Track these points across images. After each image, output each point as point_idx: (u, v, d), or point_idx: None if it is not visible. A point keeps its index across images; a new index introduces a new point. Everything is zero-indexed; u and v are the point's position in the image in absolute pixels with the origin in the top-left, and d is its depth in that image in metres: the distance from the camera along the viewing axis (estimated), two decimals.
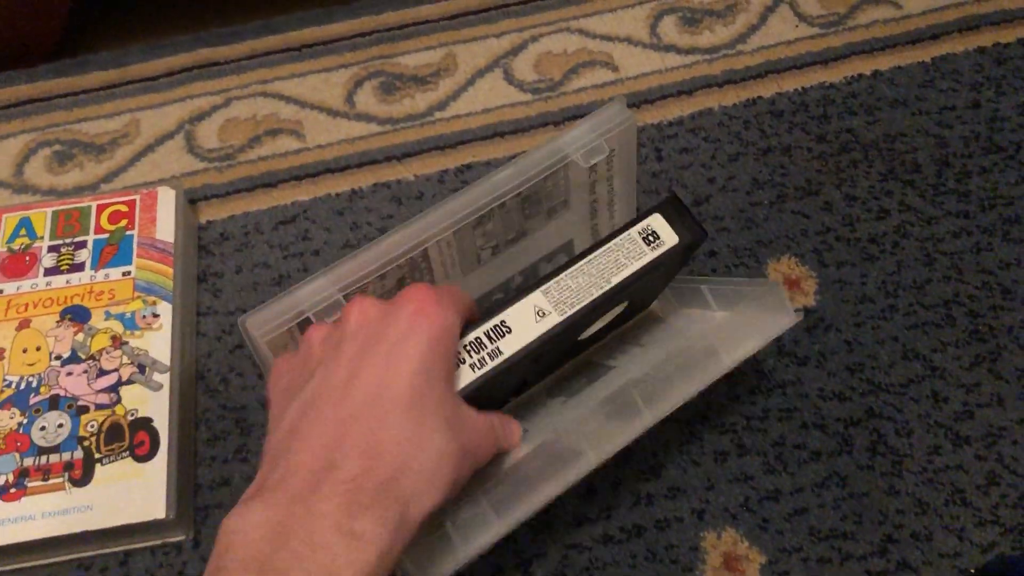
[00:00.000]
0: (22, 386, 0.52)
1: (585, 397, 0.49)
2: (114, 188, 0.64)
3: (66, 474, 0.50)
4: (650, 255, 0.45)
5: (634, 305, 0.51)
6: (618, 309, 0.49)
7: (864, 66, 0.69)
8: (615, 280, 0.44)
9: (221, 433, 0.54)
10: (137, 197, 0.59)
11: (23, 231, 0.58)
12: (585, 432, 0.43)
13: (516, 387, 0.50)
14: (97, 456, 0.50)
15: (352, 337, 0.39)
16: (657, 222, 0.46)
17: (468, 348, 0.42)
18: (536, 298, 0.44)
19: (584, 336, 0.49)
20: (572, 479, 0.42)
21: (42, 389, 0.52)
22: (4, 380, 0.53)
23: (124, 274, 0.56)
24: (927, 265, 0.59)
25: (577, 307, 0.44)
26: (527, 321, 0.43)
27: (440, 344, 0.39)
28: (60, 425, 0.51)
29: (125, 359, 0.53)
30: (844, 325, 0.57)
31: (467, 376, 0.42)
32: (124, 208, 0.59)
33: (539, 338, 0.43)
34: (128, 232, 0.58)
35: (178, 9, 0.80)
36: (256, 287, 0.59)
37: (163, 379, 0.52)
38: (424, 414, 0.37)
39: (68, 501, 0.49)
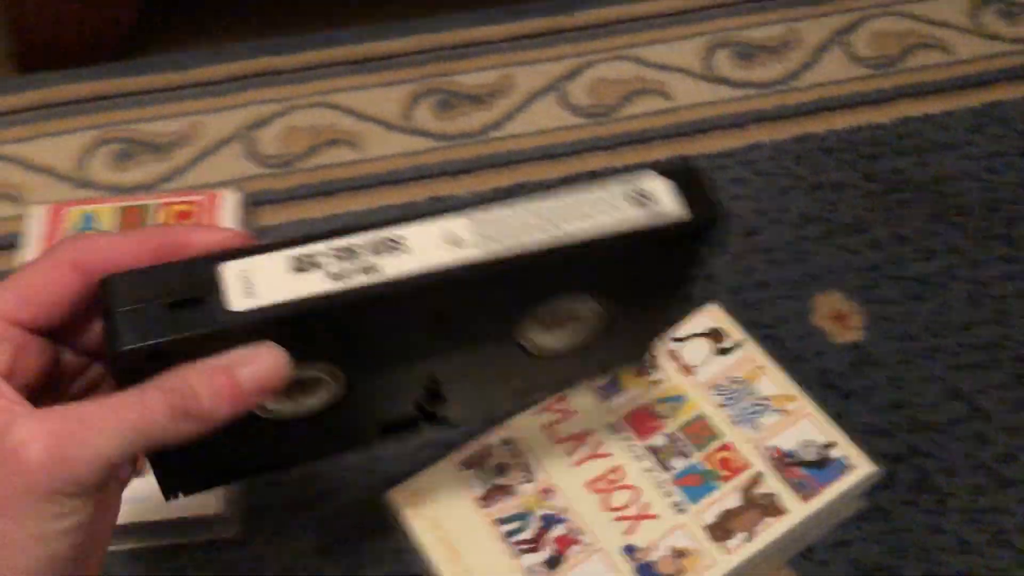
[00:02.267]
0: None
1: None
2: (174, 188, 0.66)
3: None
4: (632, 215, 0.33)
5: (610, 318, 0.38)
6: (585, 311, 0.37)
7: (914, 109, 0.70)
8: (569, 228, 0.32)
9: None
10: (201, 198, 0.61)
11: (89, 224, 0.59)
12: None
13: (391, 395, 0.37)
14: None
15: None
16: (653, 182, 0.34)
17: (336, 253, 0.31)
18: (454, 222, 0.32)
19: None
20: None
21: None
22: None
23: None
24: (973, 307, 0.60)
25: (509, 247, 0.31)
26: (432, 245, 0.31)
27: None
28: None
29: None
30: (889, 362, 0.58)
31: (317, 284, 0.30)
32: (188, 208, 0.60)
33: (442, 269, 0.31)
34: None
35: (242, 17, 0.81)
36: None
37: None
38: None
39: (125, 492, 0.50)
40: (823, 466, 0.50)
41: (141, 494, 0.49)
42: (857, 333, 0.59)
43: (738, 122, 0.70)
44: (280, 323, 0.29)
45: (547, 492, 0.49)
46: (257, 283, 0.30)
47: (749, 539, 0.47)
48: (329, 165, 0.67)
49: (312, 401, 0.35)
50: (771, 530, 0.48)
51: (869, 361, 0.58)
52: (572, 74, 0.73)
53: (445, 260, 0.31)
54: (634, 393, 0.53)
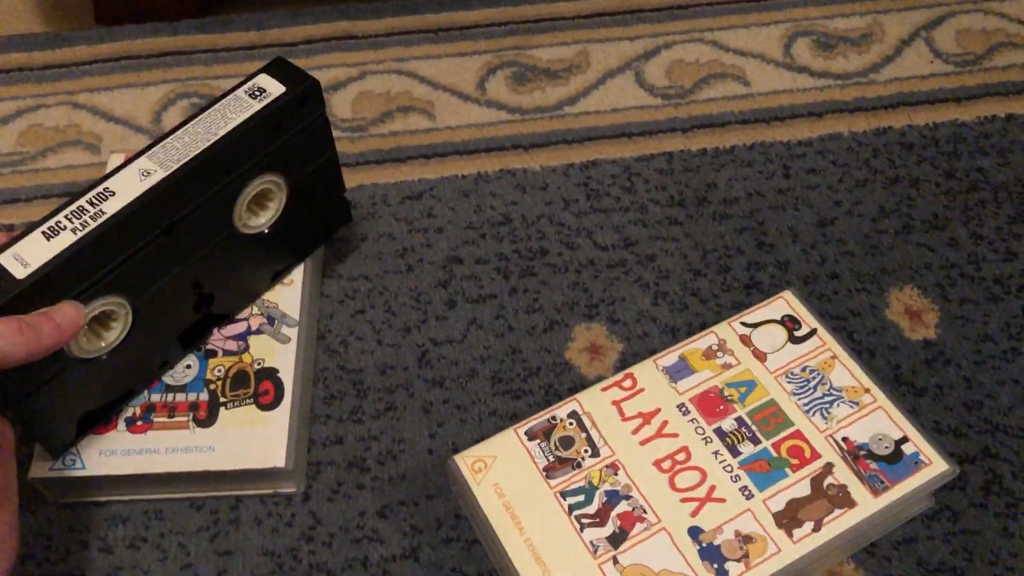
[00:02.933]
0: None
1: None
2: None
3: (191, 414, 0.51)
4: (257, 106, 0.47)
5: (297, 190, 0.52)
6: (260, 184, 0.50)
7: (999, 108, 0.69)
8: (222, 132, 0.46)
9: (338, 393, 0.55)
10: None
11: None
12: None
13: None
14: (222, 400, 0.51)
15: None
16: (263, 80, 0.48)
17: (69, 216, 0.43)
18: (141, 162, 0.45)
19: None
20: None
21: None
22: None
23: None
24: None
25: (183, 161, 0.45)
26: (132, 183, 0.44)
27: None
28: (188, 366, 0.52)
29: (256, 310, 0.54)
30: (964, 361, 0.57)
31: (67, 240, 0.43)
32: None
33: (145, 194, 0.44)
34: None
35: None
36: (380, 256, 0.60)
37: (291, 333, 0.53)
38: None
39: (191, 440, 0.50)
40: (895, 461, 0.49)
41: (204, 443, 0.50)
42: (931, 330, 0.58)
43: (816, 111, 0.69)
44: (56, 275, 0.42)
45: (612, 468, 0.49)
46: (27, 257, 0.42)
47: (816, 529, 0.47)
48: (402, 132, 0.67)
49: (115, 333, 0.48)
50: (839, 522, 0.47)
51: (943, 359, 0.57)
52: (648, 54, 0.72)
53: (144, 187, 0.44)
54: (704, 376, 0.52)
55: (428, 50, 0.72)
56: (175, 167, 0.45)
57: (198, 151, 0.46)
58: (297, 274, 0.56)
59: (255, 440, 0.50)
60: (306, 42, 0.72)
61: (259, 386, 0.52)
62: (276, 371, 0.52)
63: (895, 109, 0.69)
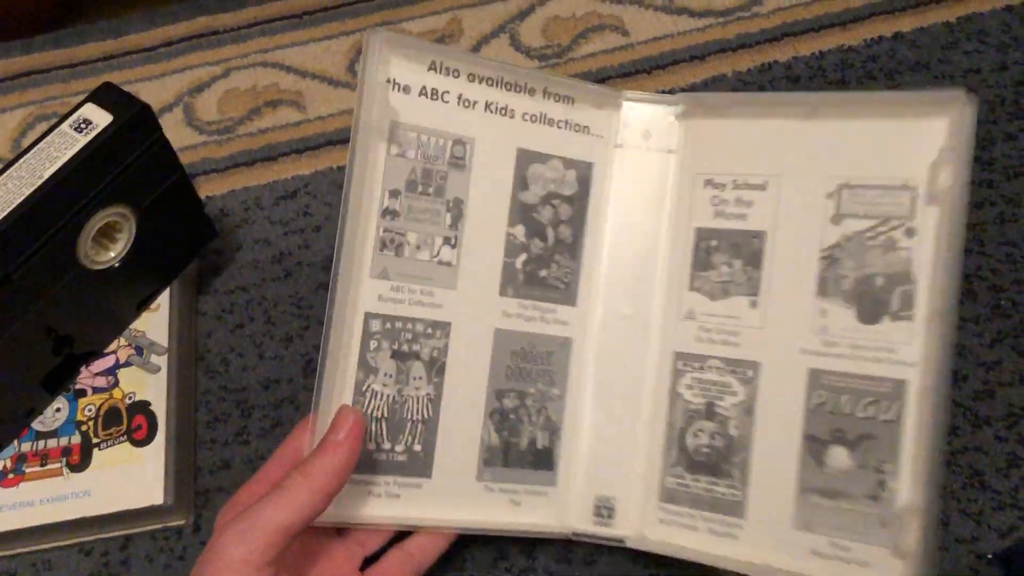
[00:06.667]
0: None
1: None
2: None
3: (64, 459, 0.49)
4: (83, 140, 0.45)
5: (147, 217, 0.50)
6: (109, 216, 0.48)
7: (885, 28, 0.66)
8: (48, 173, 0.43)
9: (222, 415, 0.53)
10: None
11: None
12: None
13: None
14: (95, 441, 0.49)
15: None
16: (89, 110, 0.46)
17: None
18: None
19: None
20: None
21: None
22: None
23: None
24: None
25: (7, 210, 0.42)
26: None
27: None
28: (58, 409, 0.51)
29: (122, 341, 0.52)
30: None
31: None
32: None
33: None
34: None
35: None
36: (256, 264, 0.58)
37: (161, 361, 0.52)
38: None
39: (66, 486, 0.48)
40: None
41: (79, 489, 0.48)
42: None
43: (699, 54, 0.66)
44: None
45: None
46: None
47: None
48: (272, 128, 0.65)
49: None
50: None
51: None
52: (523, 14, 0.69)
53: None
54: None
55: (293, 37, 0.69)
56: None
57: (23, 197, 0.43)
58: (164, 298, 0.54)
59: (131, 479, 0.48)
60: (166, 44, 0.69)
61: (131, 421, 0.50)
62: (148, 404, 0.50)
63: (779, 41, 0.66)
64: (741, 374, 0.45)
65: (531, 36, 0.68)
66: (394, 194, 0.44)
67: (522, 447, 0.46)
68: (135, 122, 0.46)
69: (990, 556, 0.48)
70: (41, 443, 0.50)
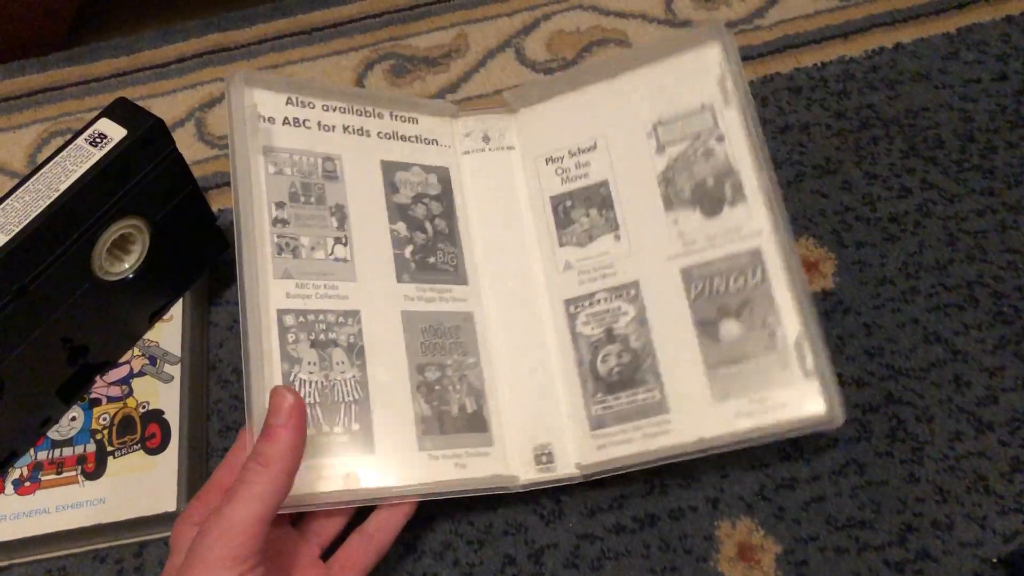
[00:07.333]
0: None
1: None
2: None
3: (79, 467, 0.50)
4: (98, 154, 0.45)
5: (160, 229, 0.51)
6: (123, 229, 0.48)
7: (886, 39, 0.67)
8: (64, 186, 0.44)
9: (233, 424, 0.54)
10: None
11: None
12: None
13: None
14: (110, 449, 0.50)
15: None
16: (103, 124, 0.47)
17: None
18: None
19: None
20: None
21: None
22: None
23: None
24: (950, 245, 0.58)
25: (25, 223, 0.43)
26: None
27: None
28: (73, 418, 0.51)
29: (136, 351, 0.53)
30: (863, 308, 0.56)
31: None
32: None
33: None
34: None
35: None
36: None
37: (174, 371, 0.52)
38: None
39: (81, 494, 0.49)
40: None
41: (94, 496, 0.49)
42: (829, 280, 0.57)
43: None
44: None
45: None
46: None
47: None
48: None
49: None
50: None
51: (842, 309, 0.56)
52: (527, 28, 0.70)
53: None
54: None
55: (303, 52, 0.70)
56: (17, 230, 0.43)
57: (40, 210, 0.44)
58: (177, 308, 0.55)
59: (144, 487, 0.49)
60: (178, 60, 0.70)
61: (145, 430, 0.51)
62: (162, 412, 0.51)
63: (782, 53, 0.67)
64: (626, 295, 0.51)
65: (536, 50, 0.69)
66: (280, 205, 0.48)
67: (454, 413, 0.49)
68: (149, 136, 0.47)
69: (995, 560, 0.48)
70: (57, 451, 0.50)
